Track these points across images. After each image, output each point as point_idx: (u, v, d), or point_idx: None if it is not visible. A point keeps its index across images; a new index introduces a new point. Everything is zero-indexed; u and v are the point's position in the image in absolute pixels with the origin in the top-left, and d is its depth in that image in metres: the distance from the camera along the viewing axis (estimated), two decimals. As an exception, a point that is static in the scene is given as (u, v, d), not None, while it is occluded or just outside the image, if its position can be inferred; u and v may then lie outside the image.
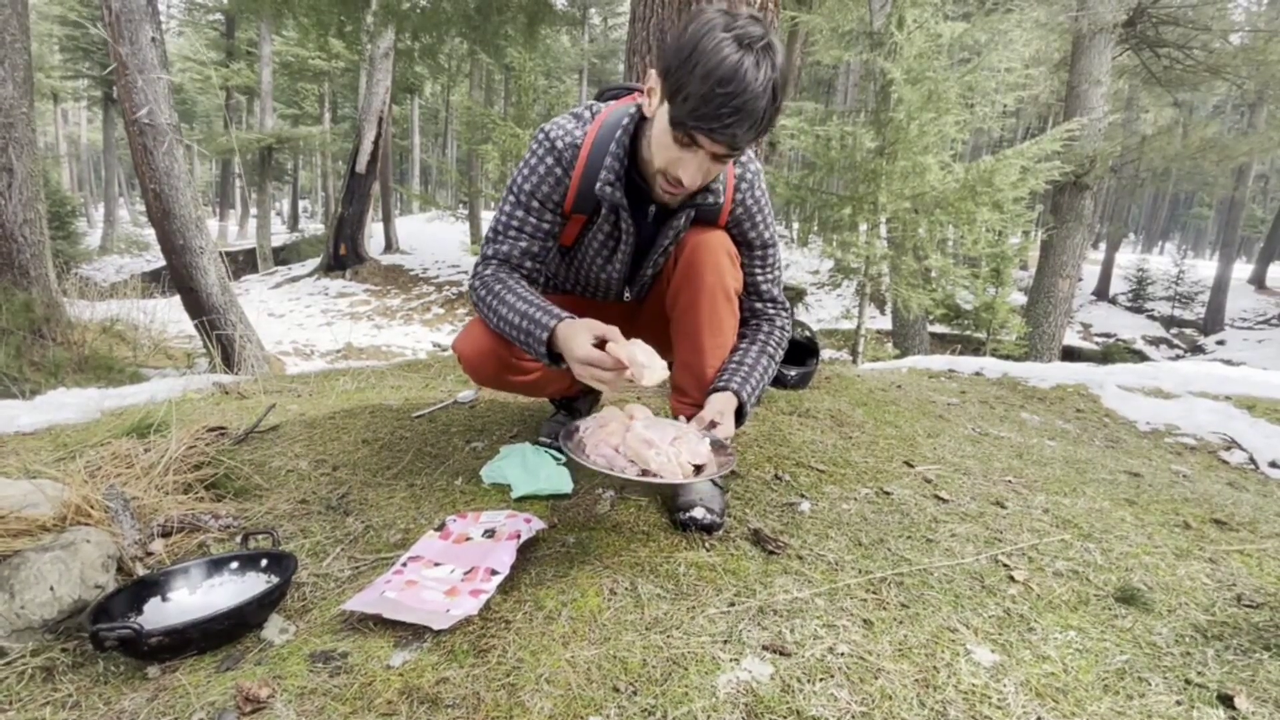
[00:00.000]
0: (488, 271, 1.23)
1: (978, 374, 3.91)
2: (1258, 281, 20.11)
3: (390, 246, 15.13)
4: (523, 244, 1.22)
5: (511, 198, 1.22)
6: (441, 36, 3.19)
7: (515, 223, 1.21)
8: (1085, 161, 7.42)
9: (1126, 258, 23.65)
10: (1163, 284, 18.84)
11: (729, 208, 1.25)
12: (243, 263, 15.48)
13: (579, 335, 1.05)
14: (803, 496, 1.38)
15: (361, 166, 10.15)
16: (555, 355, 1.10)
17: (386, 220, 15.54)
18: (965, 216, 5.84)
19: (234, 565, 1.05)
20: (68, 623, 0.92)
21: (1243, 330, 16.50)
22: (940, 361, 4.30)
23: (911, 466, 1.62)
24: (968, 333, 8.13)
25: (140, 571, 1.09)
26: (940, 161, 5.63)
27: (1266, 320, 17.36)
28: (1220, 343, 15.28)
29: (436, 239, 14.43)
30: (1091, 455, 2.17)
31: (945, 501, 1.42)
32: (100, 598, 0.93)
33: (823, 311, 11.74)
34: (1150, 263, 20.62)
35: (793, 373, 2.31)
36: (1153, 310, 18.40)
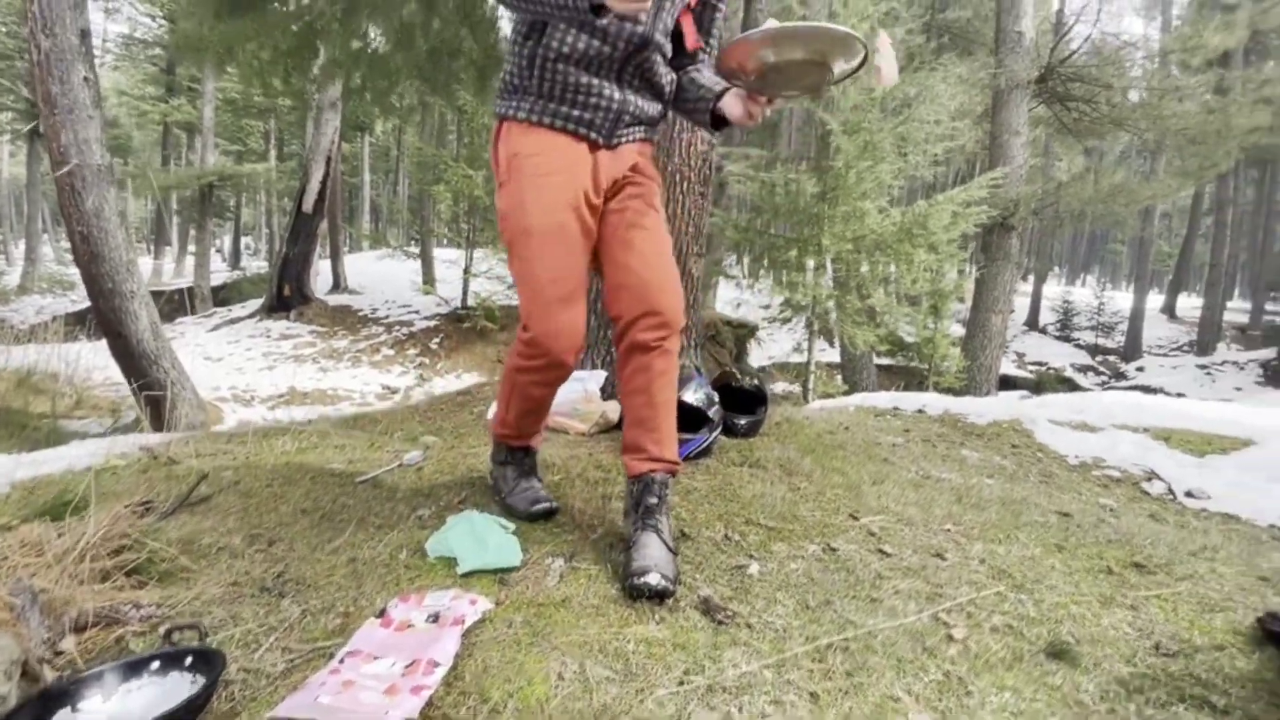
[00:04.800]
0: None
1: (920, 411, 4.06)
2: (1169, 311, 21.71)
3: (339, 285, 14.77)
4: None
5: None
6: (393, 84, 3.23)
7: None
8: (1010, 205, 7.94)
9: (1053, 290, 25.22)
10: (1086, 314, 20.15)
11: None
12: (178, 302, 14.81)
13: None
14: (752, 557, 1.40)
15: (308, 206, 9.96)
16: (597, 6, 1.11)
17: (335, 258, 15.18)
18: (904, 257, 6.14)
19: (154, 665, 0.98)
20: (-40, 747, 0.84)
21: (1159, 357, 17.72)
22: (885, 399, 4.44)
23: (856, 519, 1.66)
24: (912, 363, 8.46)
25: (48, 675, 1.01)
26: (878, 206, 5.94)
27: (1179, 347, 18.70)
28: (1140, 369, 16.35)
29: (387, 278, 14.17)
30: (1026, 494, 2.26)
31: (888, 555, 1.46)
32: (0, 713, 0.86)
33: (775, 347, 12.02)
34: (1074, 294, 22.04)
35: (743, 421, 2.36)
36: (1079, 339, 19.60)
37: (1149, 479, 2.92)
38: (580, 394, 2.25)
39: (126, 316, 5.56)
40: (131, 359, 5.87)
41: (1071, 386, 15.50)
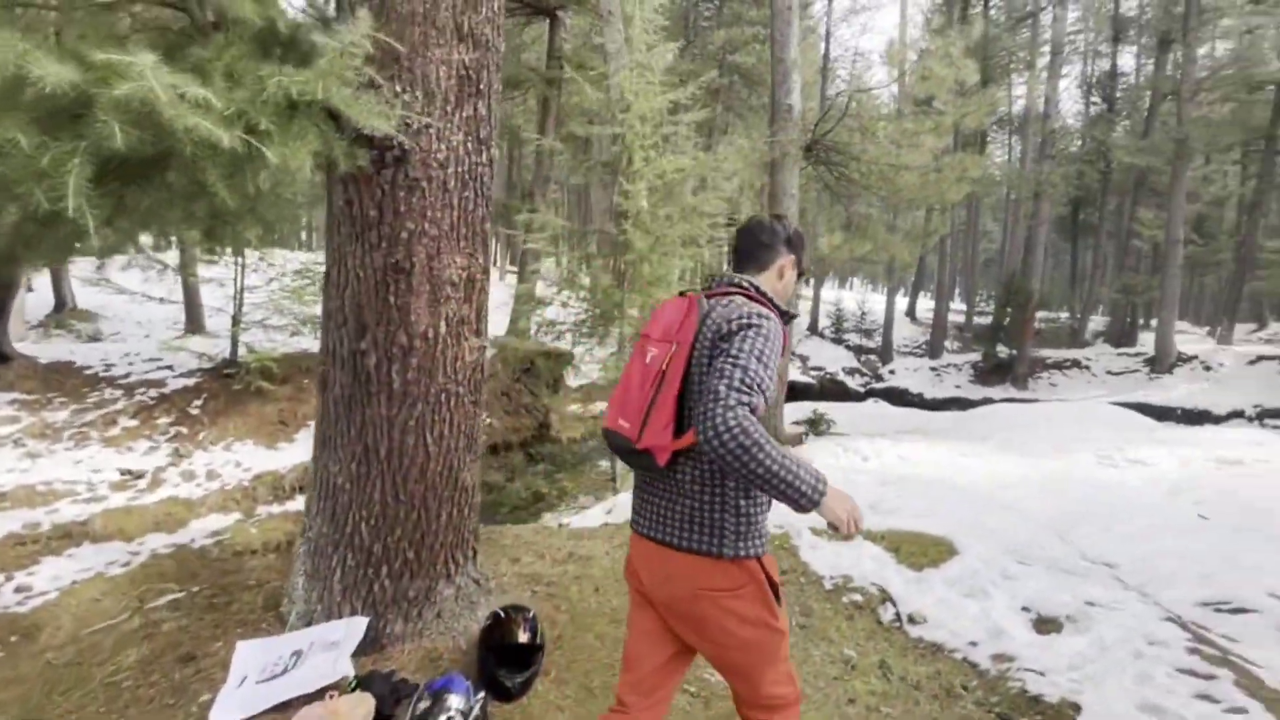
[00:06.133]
0: (753, 416, 1.35)
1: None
2: (911, 315, 26.26)
3: (63, 306, 11.87)
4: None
5: (760, 363, 1.40)
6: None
7: (761, 381, 1.39)
8: (788, 264, 8.96)
9: (828, 294, 29.12)
10: (852, 320, 23.61)
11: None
12: None
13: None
14: None
15: None
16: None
17: (56, 272, 12.14)
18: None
19: None
20: None
21: (905, 357, 21.39)
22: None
23: None
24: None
25: None
26: (675, 290, 6.34)
27: (918, 346, 22.74)
28: (892, 372, 19.60)
29: (134, 305, 11.75)
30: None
31: None
32: None
33: (592, 370, 12.34)
34: (844, 301, 25.68)
35: (517, 680, 2.29)
36: (848, 341, 22.90)
37: (884, 602, 3.50)
38: (322, 705, 2.00)
39: None
40: None
41: (843, 390, 18.10)
